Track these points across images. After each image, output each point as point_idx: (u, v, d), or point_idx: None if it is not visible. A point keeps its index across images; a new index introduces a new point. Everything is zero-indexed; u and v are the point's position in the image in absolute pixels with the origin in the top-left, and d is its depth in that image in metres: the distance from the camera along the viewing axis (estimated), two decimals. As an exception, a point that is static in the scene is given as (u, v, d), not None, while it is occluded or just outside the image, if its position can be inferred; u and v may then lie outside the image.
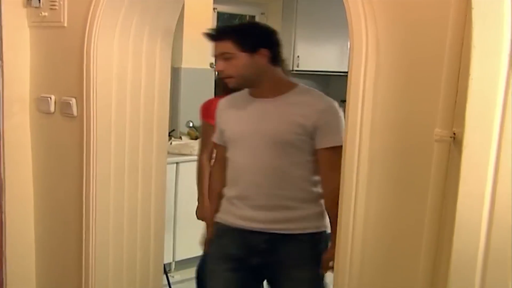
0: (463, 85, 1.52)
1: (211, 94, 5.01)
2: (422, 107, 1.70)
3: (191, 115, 4.81)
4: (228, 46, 2.19)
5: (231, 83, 2.26)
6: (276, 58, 2.27)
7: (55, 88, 2.80)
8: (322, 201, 2.25)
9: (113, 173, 2.72)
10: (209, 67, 4.96)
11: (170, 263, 4.24)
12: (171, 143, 4.22)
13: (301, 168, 2.23)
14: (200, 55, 4.86)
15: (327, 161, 2.19)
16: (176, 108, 4.71)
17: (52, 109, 2.81)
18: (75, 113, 2.71)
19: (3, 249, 2.91)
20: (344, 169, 1.88)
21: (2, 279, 2.92)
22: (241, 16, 5.59)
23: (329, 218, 2.22)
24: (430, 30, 1.67)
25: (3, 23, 2.78)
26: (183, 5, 2.94)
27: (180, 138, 4.70)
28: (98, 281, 2.75)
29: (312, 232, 2.26)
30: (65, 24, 2.73)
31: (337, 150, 2.01)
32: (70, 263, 2.82)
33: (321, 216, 2.26)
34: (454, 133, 1.56)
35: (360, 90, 1.82)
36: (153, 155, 2.88)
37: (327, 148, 2.18)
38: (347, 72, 1.88)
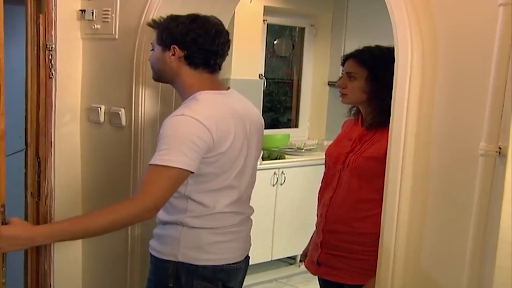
0: (509, 98, 1.49)
1: (259, 105, 5.05)
2: (467, 121, 1.67)
3: (240, 126, 4.84)
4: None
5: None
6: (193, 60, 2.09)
7: (105, 99, 2.86)
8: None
9: (160, 182, 2.75)
10: (258, 78, 4.99)
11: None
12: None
13: None
14: (249, 66, 4.90)
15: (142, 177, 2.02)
16: (225, 118, 4.74)
17: (101, 119, 2.87)
18: (123, 123, 2.76)
19: (52, 254, 2.98)
20: (388, 184, 1.87)
21: (50, 284, 2.99)
22: (291, 28, 5.61)
23: None
24: (476, 44, 1.65)
25: (58, 35, 2.87)
26: (233, 16, 2.97)
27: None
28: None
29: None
30: (116, 36, 2.79)
31: (150, 168, 1.90)
32: (118, 268, 2.87)
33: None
34: (500, 147, 1.53)
35: (405, 103, 1.80)
36: (199, 165, 2.91)
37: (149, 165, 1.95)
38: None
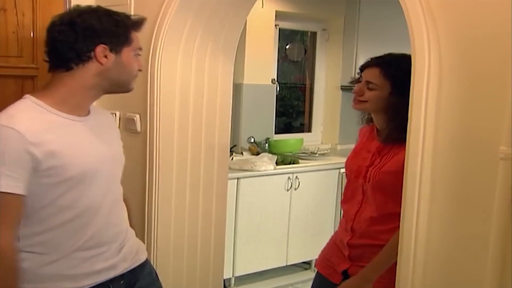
0: (529, 102, 1.48)
1: (272, 110, 5.05)
2: (486, 124, 1.66)
3: (253, 131, 4.84)
4: None
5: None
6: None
7: (120, 105, 2.86)
8: None
9: (175, 188, 2.76)
10: (270, 83, 5.00)
11: (230, 278, 4.26)
12: (232, 159, 4.25)
13: None
14: (261, 71, 4.90)
15: None
16: (238, 123, 4.75)
17: (116, 125, 2.87)
18: (139, 129, 2.77)
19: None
20: (406, 188, 1.85)
21: None
22: (303, 33, 5.60)
23: None
24: (494, 46, 1.63)
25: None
26: (245, 22, 2.97)
27: (242, 153, 4.72)
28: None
29: None
30: (131, 42, 2.79)
31: None
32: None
33: None
34: (520, 151, 1.52)
35: (422, 107, 1.79)
36: (215, 170, 2.91)
37: None
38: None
